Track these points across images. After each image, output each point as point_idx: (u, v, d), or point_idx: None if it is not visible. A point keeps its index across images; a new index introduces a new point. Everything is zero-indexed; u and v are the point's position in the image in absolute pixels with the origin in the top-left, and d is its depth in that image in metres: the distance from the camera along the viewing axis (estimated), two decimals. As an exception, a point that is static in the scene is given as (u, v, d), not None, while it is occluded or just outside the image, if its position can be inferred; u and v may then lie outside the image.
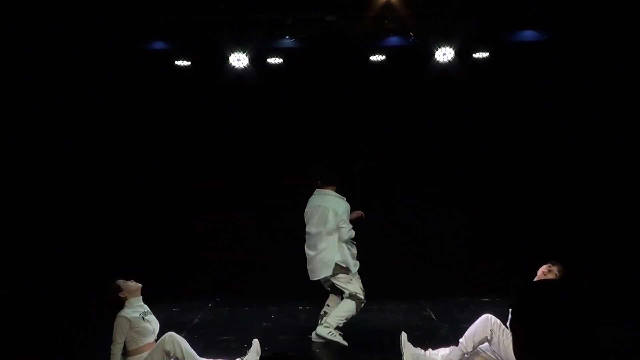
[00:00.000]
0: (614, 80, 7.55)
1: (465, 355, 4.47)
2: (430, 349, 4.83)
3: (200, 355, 4.34)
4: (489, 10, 6.99)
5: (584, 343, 1.49)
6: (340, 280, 5.42)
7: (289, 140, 7.94)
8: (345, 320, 5.38)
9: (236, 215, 7.81)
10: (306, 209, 5.63)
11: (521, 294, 1.60)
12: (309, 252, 5.54)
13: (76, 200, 7.94)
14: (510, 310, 1.61)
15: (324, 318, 5.42)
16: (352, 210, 5.57)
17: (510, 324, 1.64)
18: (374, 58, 7.55)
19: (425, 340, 5.41)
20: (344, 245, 5.45)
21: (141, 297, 4.39)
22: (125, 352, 4.19)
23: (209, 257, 7.59)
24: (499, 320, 4.39)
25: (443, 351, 4.72)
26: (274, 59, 7.54)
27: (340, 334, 5.34)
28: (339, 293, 5.52)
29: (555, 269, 4.52)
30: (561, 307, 1.52)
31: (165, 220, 7.79)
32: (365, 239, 7.66)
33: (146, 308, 4.37)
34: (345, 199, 5.55)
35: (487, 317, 4.43)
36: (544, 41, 7.19)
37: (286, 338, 5.72)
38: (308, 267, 5.57)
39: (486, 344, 4.44)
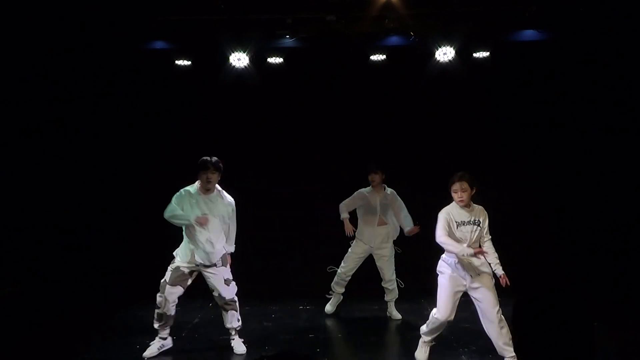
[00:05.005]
0: (614, 80, 7.55)
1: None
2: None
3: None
4: (489, 10, 6.99)
5: (581, 345, 1.51)
6: None
7: (289, 140, 7.94)
8: None
9: (236, 215, 7.81)
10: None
11: (521, 297, 1.61)
12: None
13: (77, 200, 7.95)
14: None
15: None
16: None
17: (510, 325, 1.66)
18: (374, 58, 7.55)
19: (426, 340, 5.42)
20: None
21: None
22: None
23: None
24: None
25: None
26: (274, 58, 7.54)
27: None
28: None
29: (465, 185, 4.59)
30: (559, 310, 1.54)
31: (166, 219, 7.79)
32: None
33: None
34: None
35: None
36: (544, 41, 7.18)
37: (287, 338, 5.72)
38: None
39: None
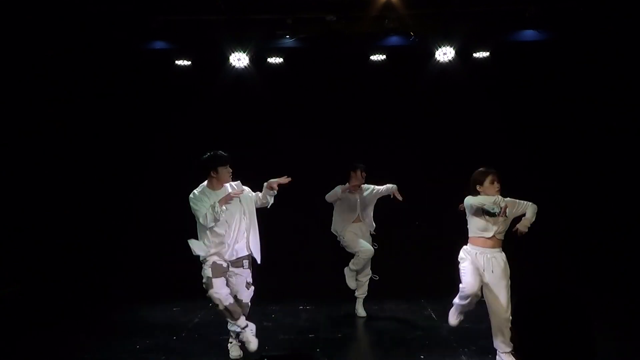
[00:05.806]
0: (614, 80, 7.55)
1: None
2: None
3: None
4: (489, 10, 6.99)
5: (581, 345, 1.51)
6: None
7: (290, 140, 7.94)
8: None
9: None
10: None
11: (521, 297, 1.62)
12: None
13: (76, 200, 7.95)
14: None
15: None
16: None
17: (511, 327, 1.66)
18: (374, 58, 7.56)
19: (426, 340, 5.43)
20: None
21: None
22: None
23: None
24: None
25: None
26: (274, 58, 7.55)
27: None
28: None
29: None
30: (559, 312, 1.54)
31: (166, 219, 7.79)
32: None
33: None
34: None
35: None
36: (544, 41, 7.19)
37: (287, 337, 5.72)
38: None
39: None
